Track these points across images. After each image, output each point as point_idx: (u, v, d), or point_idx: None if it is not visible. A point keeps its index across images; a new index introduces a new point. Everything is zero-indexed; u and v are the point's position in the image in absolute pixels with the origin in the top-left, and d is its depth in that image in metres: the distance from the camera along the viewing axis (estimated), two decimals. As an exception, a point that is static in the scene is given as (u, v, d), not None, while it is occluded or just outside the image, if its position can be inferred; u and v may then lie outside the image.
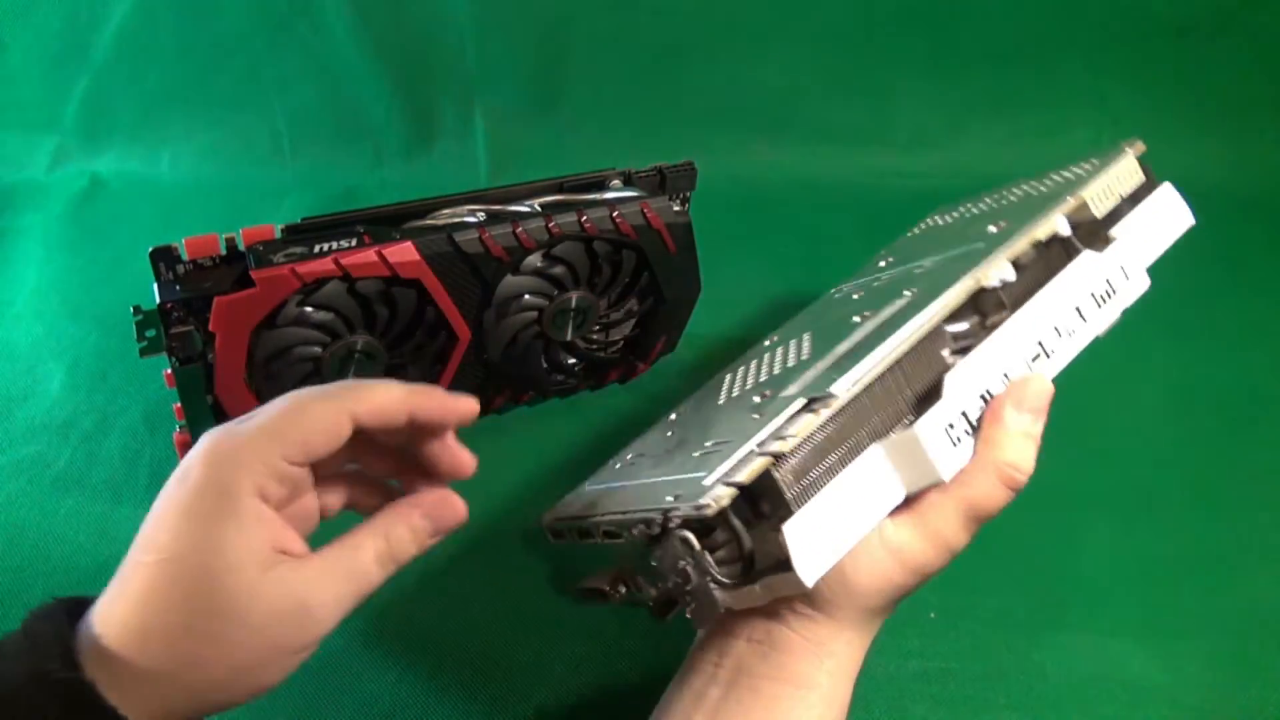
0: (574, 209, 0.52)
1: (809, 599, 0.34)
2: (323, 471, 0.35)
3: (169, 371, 0.47)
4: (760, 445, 0.32)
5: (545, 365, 0.57)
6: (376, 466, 0.37)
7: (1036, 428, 0.35)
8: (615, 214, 0.52)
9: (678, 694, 0.35)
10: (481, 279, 0.50)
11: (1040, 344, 0.36)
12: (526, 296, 0.52)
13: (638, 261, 0.55)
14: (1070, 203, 0.40)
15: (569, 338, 0.56)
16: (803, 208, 0.81)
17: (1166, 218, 0.41)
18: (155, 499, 0.31)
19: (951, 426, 0.33)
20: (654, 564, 0.33)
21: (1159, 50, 0.85)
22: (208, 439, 0.32)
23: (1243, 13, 0.84)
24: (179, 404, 0.48)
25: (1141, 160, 0.43)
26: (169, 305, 0.45)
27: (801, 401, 0.33)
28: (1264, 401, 0.64)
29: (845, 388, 0.32)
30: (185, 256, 0.46)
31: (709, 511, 0.30)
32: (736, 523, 0.32)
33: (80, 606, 0.30)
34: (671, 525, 0.31)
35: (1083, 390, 0.64)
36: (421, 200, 0.51)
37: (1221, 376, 0.66)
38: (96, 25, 0.78)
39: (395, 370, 0.52)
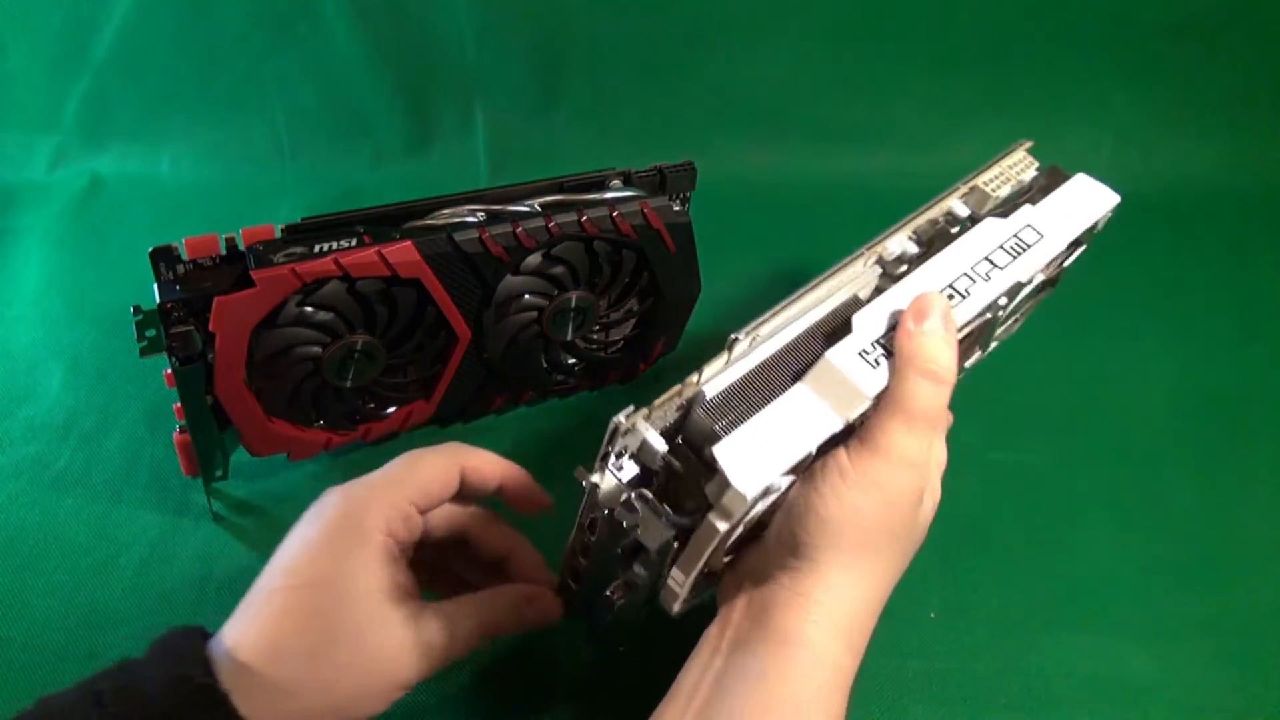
0: (574, 209, 0.52)
1: (792, 549, 0.35)
2: (417, 555, 0.39)
3: (169, 371, 0.47)
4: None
5: (545, 365, 0.57)
6: (465, 570, 0.43)
7: (947, 332, 0.36)
8: (615, 214, 0.52)
9: (689, 668, 0.36)
10: (481, 279, 0.50)
11: (952, 287, 0.39)
12: (526, 296, 0.52)
13: (638, 261, 0.55)
14: (962, 189, 0.44)
15: (569, 338, 0.56)
16: (803, 208, 0.81)
17: (1083, 197, 0.44)
18: (290, 532, 0.35)
19: (866, 352, 0.36)
20: (604, 510, 0.35)
21: (1159, 50, 0.85)
22: (339, 487, 0.36)
23: (1242, 13, 0.83)
24: (179, 404, 0.47)
25: (1034, 153, 0.47)
26: (169, 305, 0.45)
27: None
28: (1264, 401, 0.64)
29: (745, 331, 0.35)
30: (185, 256, 0.46)
31: (622, 429, 0.33)
32: (679, 466, 0.34)
33: (207, 633, 0.33)
34: (608, 461, 0.34)
35: (1083, 390, 0.65)
36: (421, 200, 0.51)
37: (1221, 376, 0.66)
38: (96, 25, 0.78)
39: (395, 370, 0.52)
